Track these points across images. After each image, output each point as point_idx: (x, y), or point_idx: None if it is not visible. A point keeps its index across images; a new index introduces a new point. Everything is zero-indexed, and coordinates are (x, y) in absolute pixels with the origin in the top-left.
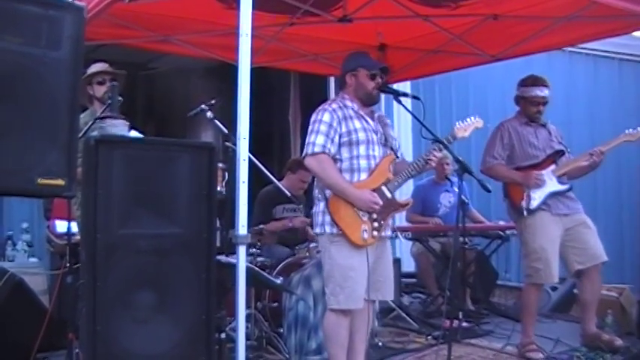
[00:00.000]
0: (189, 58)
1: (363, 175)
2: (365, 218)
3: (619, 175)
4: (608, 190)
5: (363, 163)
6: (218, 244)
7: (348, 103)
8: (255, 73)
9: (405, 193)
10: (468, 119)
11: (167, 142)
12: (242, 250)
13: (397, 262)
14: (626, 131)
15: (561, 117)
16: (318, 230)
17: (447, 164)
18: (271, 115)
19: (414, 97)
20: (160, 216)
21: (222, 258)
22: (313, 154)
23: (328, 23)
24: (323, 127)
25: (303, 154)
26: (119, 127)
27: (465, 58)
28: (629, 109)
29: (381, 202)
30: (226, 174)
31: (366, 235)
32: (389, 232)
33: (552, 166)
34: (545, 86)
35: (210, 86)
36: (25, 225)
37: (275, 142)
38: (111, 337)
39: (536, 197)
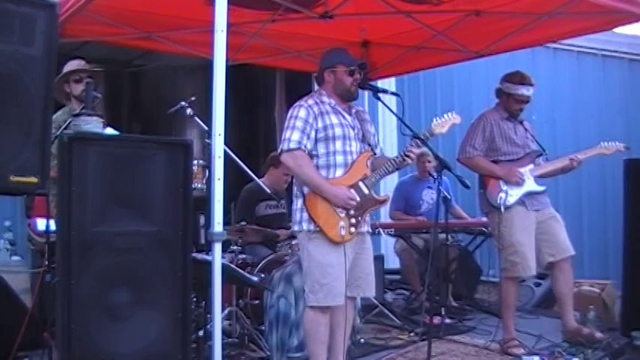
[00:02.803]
0: (174, 55)
1: (340, 171)
2: (342, 215)
3: (603, 170)
4: (592, 185)
5: (339, 159)
6: (202, 241)
7: (325, 99)
8: (241, 69)
9: (388, 189)
10: (446, 115)
11: (142, 138)
12: (217, 248)
13: (381, 258)
14: (602, 144)
15: (546, 113)
16: (296, 228)
17: (429, 162)
18: (257, 111)
19: (394, 94)
20: (135, 213)
21: (197, 255)
22: (289, 150)
23: (310, 20)
24: (299, 123)
25: (279, 150)
26: (93, 124)
27: (448, 55)
28: (613, 105)
29: (357, 199)
30: (207, 171)
31: (343, 232)
32: (366, 228)
33: (530, 166)
34: (532, 85)
35: (196, 84)
36: (7, 223)
37: (260, 139)
38: (86, 336)
39: (513, 194)
